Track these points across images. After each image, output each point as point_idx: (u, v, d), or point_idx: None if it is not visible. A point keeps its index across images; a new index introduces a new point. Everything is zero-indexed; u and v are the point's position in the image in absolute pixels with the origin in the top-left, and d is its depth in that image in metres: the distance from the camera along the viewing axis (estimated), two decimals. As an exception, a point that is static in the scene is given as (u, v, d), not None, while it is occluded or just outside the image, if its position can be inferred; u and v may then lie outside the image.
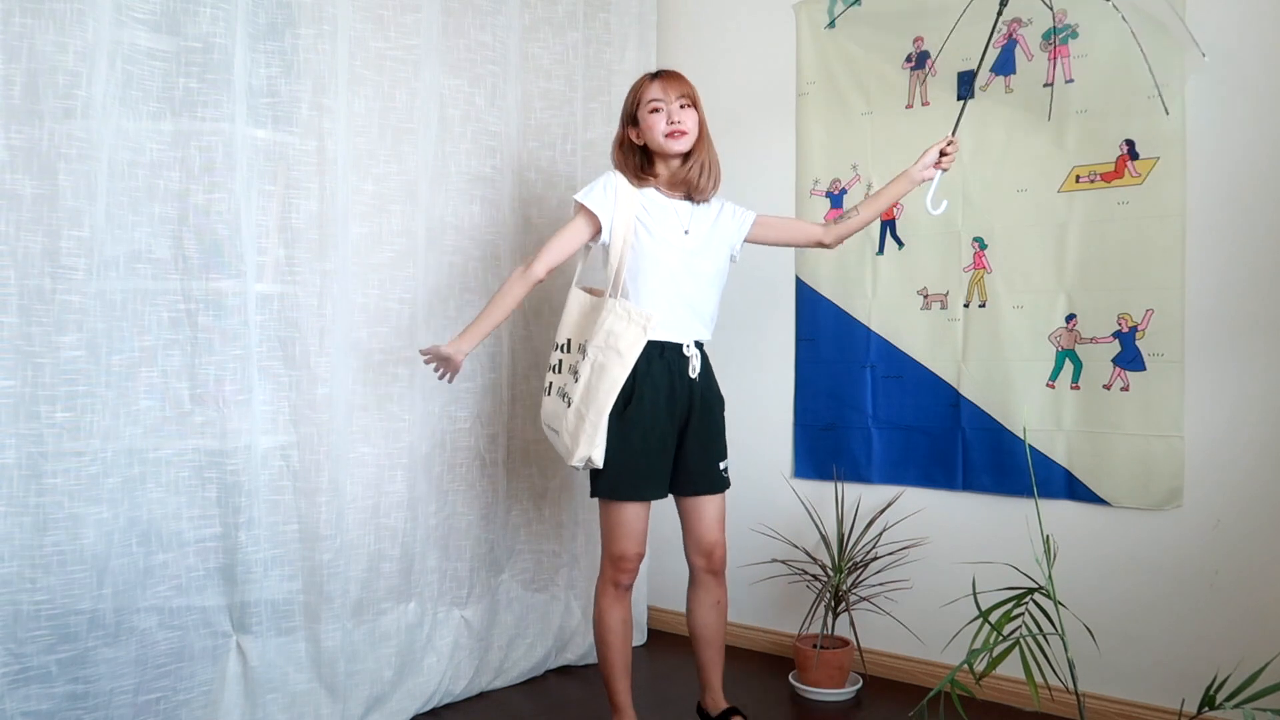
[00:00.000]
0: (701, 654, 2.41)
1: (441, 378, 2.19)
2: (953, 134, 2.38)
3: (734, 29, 3.23)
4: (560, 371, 2.26)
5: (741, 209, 2.38)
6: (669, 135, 2.19)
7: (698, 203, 2.29)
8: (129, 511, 2.00)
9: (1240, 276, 2.37)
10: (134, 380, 2.01)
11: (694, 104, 2.23)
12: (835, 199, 2.99)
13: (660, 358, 2.20)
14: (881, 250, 2.90)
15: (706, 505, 2.31)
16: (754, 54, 3.17)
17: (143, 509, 2.03)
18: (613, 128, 3.05)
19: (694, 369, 2.25)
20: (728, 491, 2.35)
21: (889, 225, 2.88)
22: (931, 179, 2.37)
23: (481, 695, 2.72)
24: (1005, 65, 2.67)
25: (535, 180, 2.86)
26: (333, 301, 2.28)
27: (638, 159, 2.28)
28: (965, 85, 2.73)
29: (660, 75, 2.25)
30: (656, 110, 2.20)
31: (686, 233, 2.25)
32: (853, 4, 2.91)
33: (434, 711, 2.58)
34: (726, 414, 2.39)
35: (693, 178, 2.24)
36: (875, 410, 2.92)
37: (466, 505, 2.68)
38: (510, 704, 2.68)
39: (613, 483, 2.18)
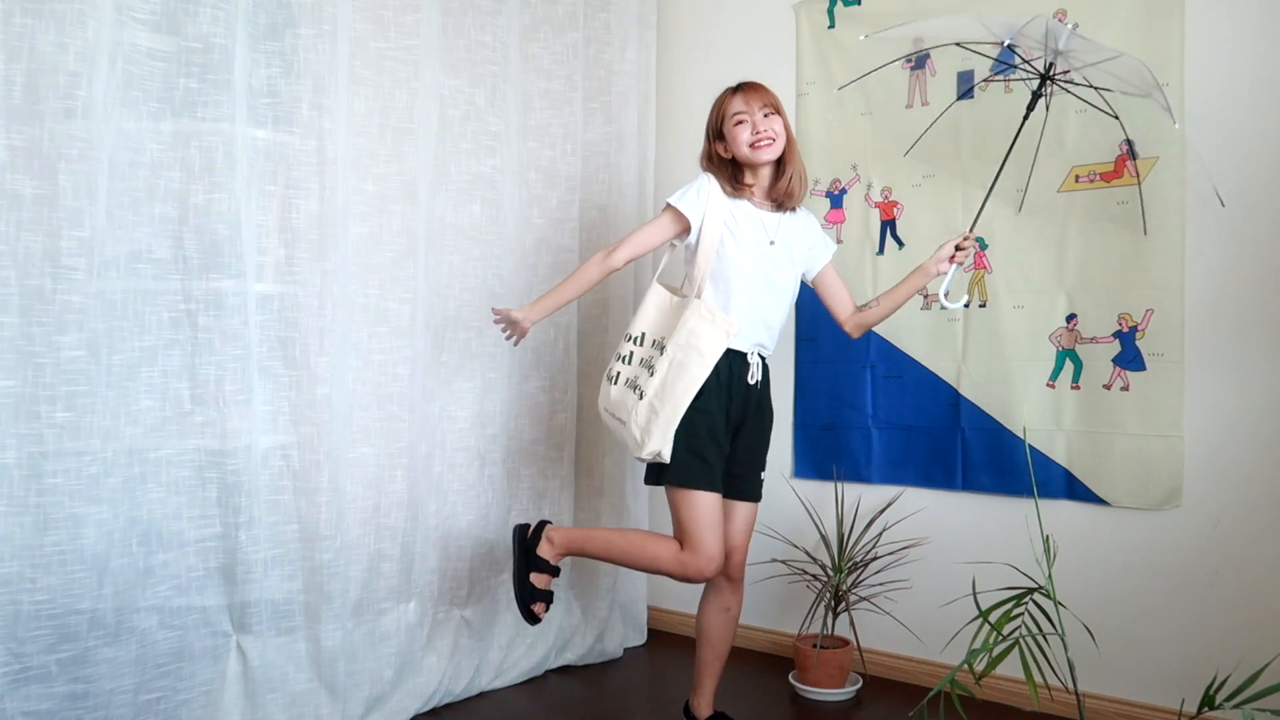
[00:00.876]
0: (702, 653, 2.39)
1: (508, 339, 2.29)
2: (970, 230, 2.36)
3: (734, 29, 3.23)
4: (630, 363, 2.26)
5: (826, 242, 2.40)
6: (755, 145, 2.21)
7: (785, 211, 2.31)
8: (129, 511, 2.01)
9: (1240, 276, 2.37)
10: (134, 380, 2.01)
11: (778, 111, 2.24)
12: (835, 199, 2.99)
13: (723, 359, 2.21)
14: (882, 250, 2.90)
15: (740, 510, 2.32)
16: (754, 54, 3.17)
17: (143, 509, 2.03)
18: (612, 127, 3.07)
19: (753, 376, 2.27)
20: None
21: (889, 225, 2.88)
22: (946, 273, 2.35)
23: (481, 695, 2.72)
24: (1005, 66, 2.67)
25: (535, 180, 2.86)
26: (333, 301, 2.28)
27: (729, 171, 2.29)
28: (964, 90, 2.73)
29: (741, 88, 2.26)
30: (741, 123, 2.21)
31: (772, 243, 2.27)
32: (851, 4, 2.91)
33: (434, 711, 2.58)
34: None
35: (794, 189, 2.27)
36: (875, 410, 2.92)
37: (466, 505, 2.68)
38: (511, 704, 2.68)
39: (685, 469, 2.17)
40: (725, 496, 2.27)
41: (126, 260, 1.99)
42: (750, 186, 2.28)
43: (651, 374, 2.18)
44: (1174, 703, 2.42)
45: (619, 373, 2.27)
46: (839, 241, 2.97)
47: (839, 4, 2.97)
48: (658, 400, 2.16)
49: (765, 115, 2.22)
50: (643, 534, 2.31)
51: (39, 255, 1.86)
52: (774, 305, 2.30)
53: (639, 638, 3.20)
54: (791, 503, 3.04)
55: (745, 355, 2.26)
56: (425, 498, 2.56)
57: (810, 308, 3.03)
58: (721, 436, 2.23)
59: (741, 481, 2.31)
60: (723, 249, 2.23)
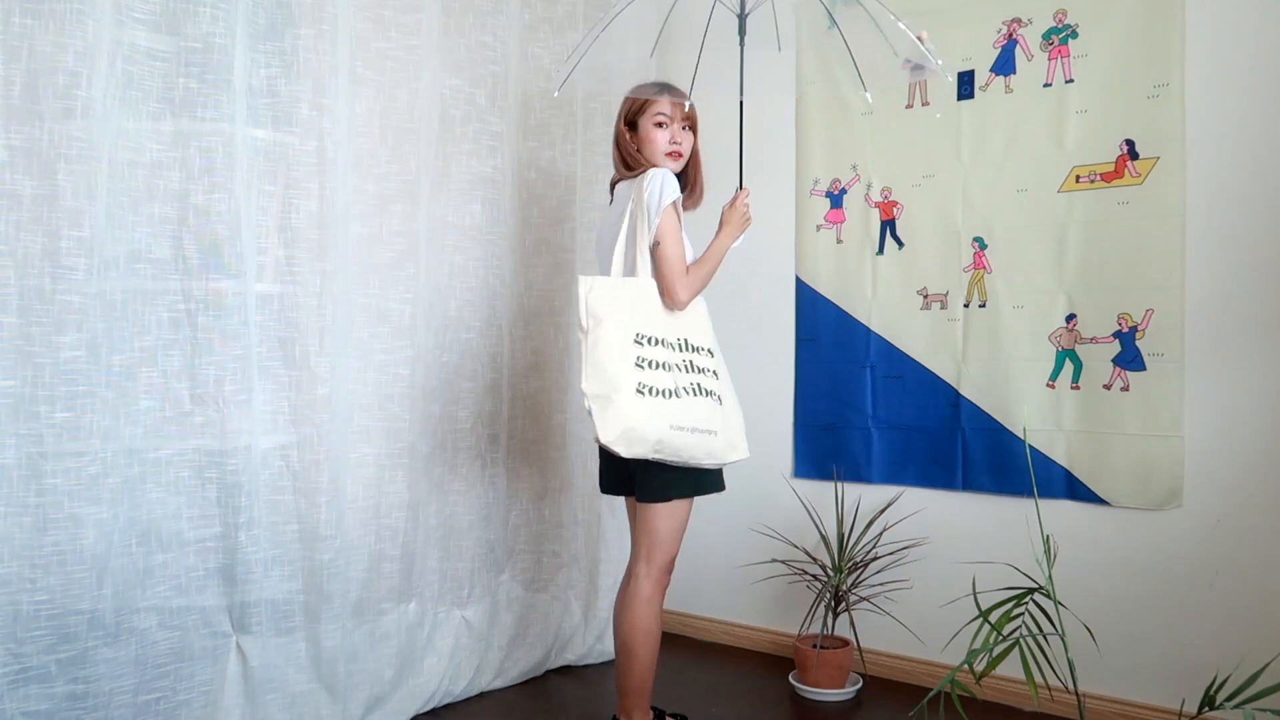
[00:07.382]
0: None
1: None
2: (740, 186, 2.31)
3: (733, 28, 3.22)
4: (669, 370, 2.10)
5: None
6: (670, 154, 2.24)
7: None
8: (129, 511, 2.00)
9: (1240, 276, 2.37)
10: (134, 380, 2.01)
11: (693, 127, 2.30)
12: (835, 199, 2.99)
13: None
14: (881, 250, 2.90)
15: None
16: (752, 53, 3.16)
17: (143, 509, 2.03)
18: (612, 127, 3.05)
19: None
20: (727, 490, 2.34)
21: (889, 225, 2.88)
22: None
23: (481, 695, 2.72)
24: (1005, 65, 2.67)
25: (536, 180, 2.86)
26: (333, 301, 2.28)
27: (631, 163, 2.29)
28: (965, 86, 2.73)
29: (669, 91, 2.27)
30: (662, 125, 2.24)
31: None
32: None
33: (434, 712, 2.58)
34: None
35: (697, 196, 2.34)
36: (875, 410, 2.92)
37: (467, 506, 2.68)
38: (510, 704, 2.68)
39: (699, 477, 2.17)
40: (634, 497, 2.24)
41: (126, 260, 1.99)
42: None
43: (718, 377, 2.18)
44: (1174, 703, 2.42)
45: (679, 384, 2.09)
46: (839, 241, 2.97)
47: (839, 4, 2.97)
48: (734, 402, 2.19)
49: (684, 128, 2.26)
50: (645, 645, 2.21)
51: (38, 255, 1.85)
52: None
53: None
54: (791, 503, 3.04)
55: None
56: (426, 498, 2.56)
57: (810, 308, 3.04)
58: None
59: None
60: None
